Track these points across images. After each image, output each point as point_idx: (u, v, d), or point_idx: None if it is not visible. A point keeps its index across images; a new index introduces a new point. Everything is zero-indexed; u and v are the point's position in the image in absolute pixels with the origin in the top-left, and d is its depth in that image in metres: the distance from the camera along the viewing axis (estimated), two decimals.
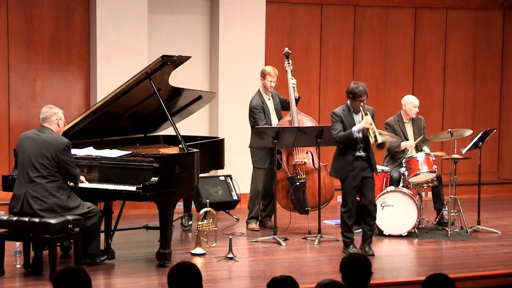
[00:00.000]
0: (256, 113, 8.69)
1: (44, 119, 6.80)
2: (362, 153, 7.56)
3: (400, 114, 9.05)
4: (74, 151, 7.06)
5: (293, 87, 8.81)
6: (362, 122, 7.48)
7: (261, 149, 8.66)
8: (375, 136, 7.39)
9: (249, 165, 8.90)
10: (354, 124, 7.52)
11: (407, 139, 8.95)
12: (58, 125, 6.83)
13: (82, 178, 6.95)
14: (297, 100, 8.85)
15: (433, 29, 11.59)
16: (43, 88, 9.82)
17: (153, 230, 8.25)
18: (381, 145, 7.41)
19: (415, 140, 8.91)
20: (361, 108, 7.53)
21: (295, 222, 8.84)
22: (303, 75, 10.58)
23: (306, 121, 8.80)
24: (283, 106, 8.93)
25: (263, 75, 8.79)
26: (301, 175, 8.71)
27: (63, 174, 6.69)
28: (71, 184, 6.82)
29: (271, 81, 8.75)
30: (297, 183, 8.66)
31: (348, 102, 7.61)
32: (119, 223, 7.84)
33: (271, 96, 8.86)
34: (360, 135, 7.48)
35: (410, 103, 8.99)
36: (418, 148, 8.96)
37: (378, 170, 8.01)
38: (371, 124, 7.42)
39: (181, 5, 10.33)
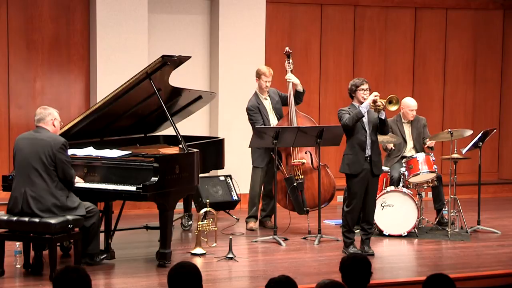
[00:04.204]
0: (251, 114, 8.70)
1: (39, 120, 6.79)
2: (369, 152, 7.55)
3: (399, 115, 9.07)
4: (74, 151, 7.07)
5: (291, 83, 8.78)
6: (369, 96, 7.47)
7: (259, 148, 8.65)
8: (382, 103, 7.40)
9: (249, 165, 8.90)
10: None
11: (405, 140, 8.98)
12: (54, 125, 6.80)
13: (78, 179, 6.95)
14: (301, 94, 8.81)
15: (433, 29, 11.59)
16: (43, 88, 9.82)
17: (153, 230, 8.26)
18: (391, 101, 7.41)
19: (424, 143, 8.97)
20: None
21: (295, 222, 8.84)
22: (303, 75, 10.57)
23: (305, 122, 8.77)
24: (286, 103, 8.89)
25: (258, 75, 8.78)
26: (299, 176, 8.69)
27: (59, 175, 6.66)
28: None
29: (266, 81, 8.74)
30: (295, 184, 8.65)
31: (353, 102, 7.61)
32: (119, 223, 7.84)
33: (269, 95, 8.85)
34: (366, 114, 7.46)
35: (408, 106, 9.01)
36: (417, 149, 8.98)
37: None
38: (376, 96, 7.42)
39: (181, 5, 10.33)
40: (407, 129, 9.05)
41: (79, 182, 6.94)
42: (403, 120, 9.05)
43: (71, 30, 9.90)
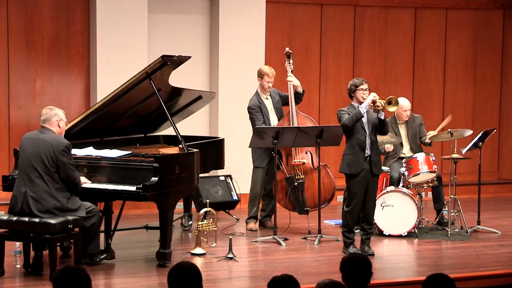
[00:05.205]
0: (252, 113, 8.70)
1: (45, 120, 6.79)
2: (369, 152, 7.54)
3: (394, 116, 9.07)
4: (74, 151, 7.06)
5: (292, 85, 8.80)
6: (369, 97, 7.47)
7: (260, 148, 8.66)
8: (381, 103, 7.40)
9: (249, 165, 8.90)
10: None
11: (401, 142, 8.98)
12: (59, 126, 6.81)
13: (85, 179, 6.95)
14: (301, 94, 8.82)
15: (433, 29, 11.59)
16: (43, 88, 9.82)
17: (153, 230, 8.26)
18: (390, 102, 7.41)
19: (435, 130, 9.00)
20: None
21: (295, 222, 8.84)
22: (303, 75, 10.57)
23: (306, 122, 8.78)
24: (286, 103, 8.91)
25: (261, 75, 8.78)
26: (299, 176, 8.69)
27: (62, 178, 6.65)
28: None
29: (268, 82, 8.75)
30: (295, 184, 8.66)
31: (352, 102, 7.61)
32: (119, 223, 7.84)
33: (270, 95, 8.86)
34: (365, 114, 7.46)
35: (400, 107, 8.92)
36: (414, 150, 8.98)
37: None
38: (375, 96, 7.43)
39: (181, 5, 10.33)
40: (402, 130, 9.04)
41: (86, 183, 6.94)
42: (398, 121, 9.04)
43: (71, 30, 9.90)
